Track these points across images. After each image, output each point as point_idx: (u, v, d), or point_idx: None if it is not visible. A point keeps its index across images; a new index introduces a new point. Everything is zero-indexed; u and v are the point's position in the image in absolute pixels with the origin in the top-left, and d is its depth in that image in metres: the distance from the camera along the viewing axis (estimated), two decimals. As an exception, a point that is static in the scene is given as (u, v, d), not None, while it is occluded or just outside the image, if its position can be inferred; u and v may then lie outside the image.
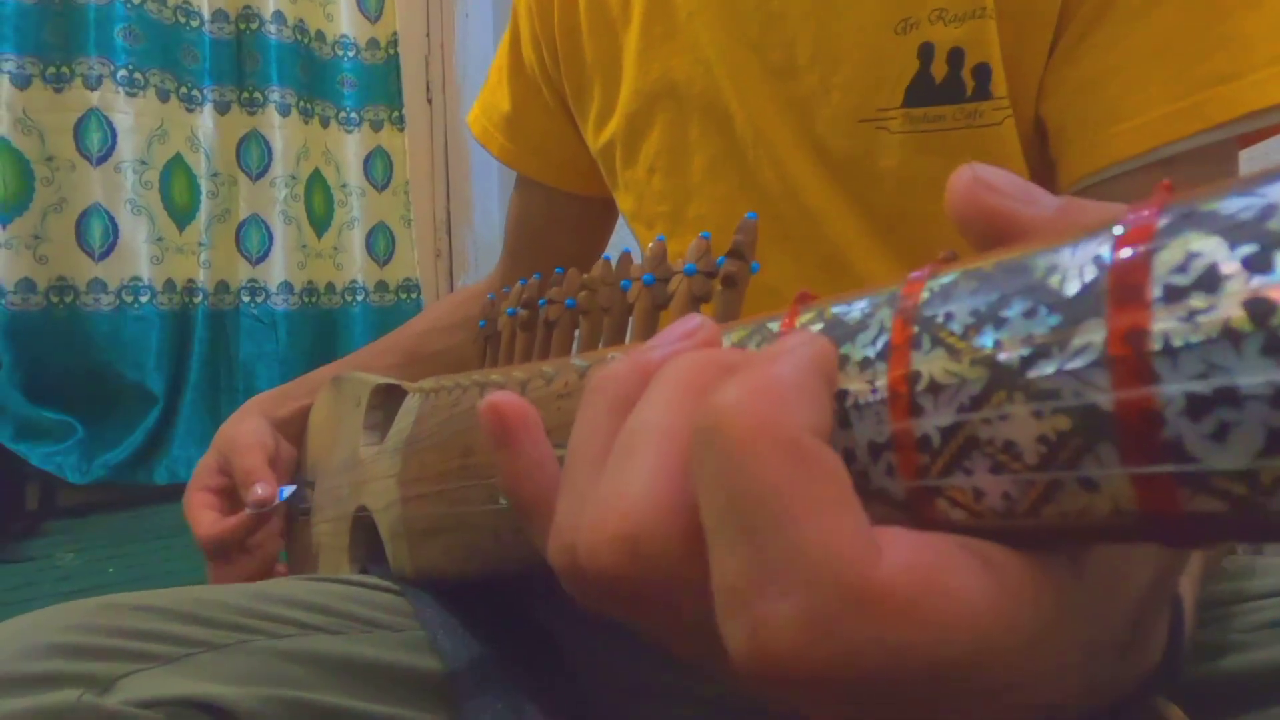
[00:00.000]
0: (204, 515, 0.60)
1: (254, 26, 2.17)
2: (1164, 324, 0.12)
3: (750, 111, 0.51)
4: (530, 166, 0.70)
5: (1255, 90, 0.40)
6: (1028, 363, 0.13)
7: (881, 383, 0.16)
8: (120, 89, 1.95)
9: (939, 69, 0.45)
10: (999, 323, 0.14)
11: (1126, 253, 0.13)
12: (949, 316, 0.15)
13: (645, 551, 0.16)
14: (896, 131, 0.47)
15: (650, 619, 0.18)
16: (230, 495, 0.61)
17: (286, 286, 2.22)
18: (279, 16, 2.21)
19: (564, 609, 0.20)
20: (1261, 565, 0.42)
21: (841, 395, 0.16)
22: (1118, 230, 0.13)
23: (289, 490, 0.59)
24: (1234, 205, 0.12)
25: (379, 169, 2.43)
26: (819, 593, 0.14)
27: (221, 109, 2.14)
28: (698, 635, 0.16)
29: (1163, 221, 0.13)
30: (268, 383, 2.01)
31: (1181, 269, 0.12)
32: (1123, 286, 0.13)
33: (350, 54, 2.37)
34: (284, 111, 2.21)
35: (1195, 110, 0.40)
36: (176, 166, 2.06)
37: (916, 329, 0.15)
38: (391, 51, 2.43)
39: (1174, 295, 0.12)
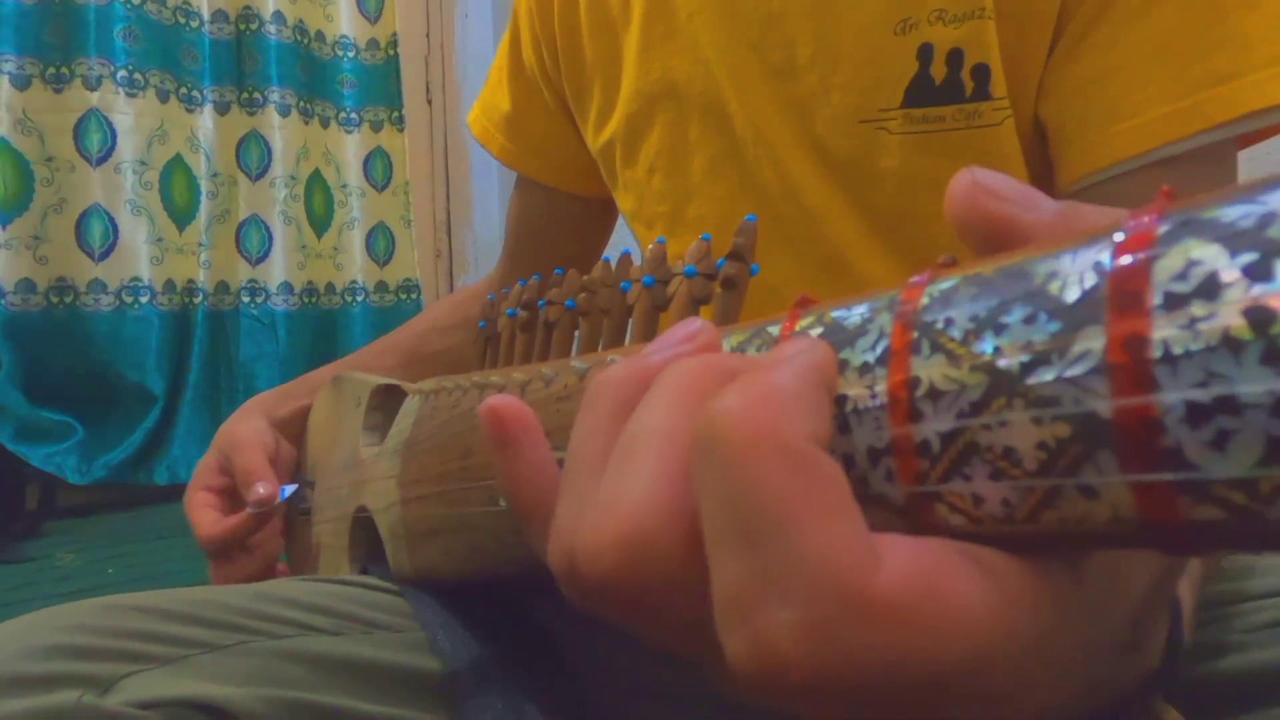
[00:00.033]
0: (205, 515, 0.60)
1: (254, 27, 2.17)
2: (1164, 331, 0.12)
3: (750, 112, 0.51)
4: (530, 167, 0.70)
5: (1255, 90, 0.40)
6: (1027, 369, 0.13)
7: (881, 388, 0.16)
8: (120, 89, 1.95)
9: (938, 70, 0.45)
10: (999, 329, 0.14)
11: (1126, 259, 0.13)
12: (949, 322, 0.15)
13: (645, 556, 0.16)
14: (896, 132, 0.47)
15: (649, 624, 0.18)
16: (231, 495, 0.61)
17: (286, 287, 2.22)
18: (279, 17, 2.21)
19: (564, 609, 0.20)
20: (1261, 565, 0.42)
21: (841, 400, 0.16)
22: (1118, 237, 0.13)
23: (290, 489, 0.59)
24: (1234, 213, 0.12)
25: (379, 169, 2.43)
26: (819, 601, 0.14)
27: (221, 109, 2.14)
28: (697, 640, 0.16)
29: (1163, 228, 0.13)
30: (267, 383, 2.01)
31: (1181, 276, 0.12)
32: (1123, 293, 0.13)
33: (350, 54, 2.37)
34: (284, 112, 2.21)
35: (1195, 110, 0.40)
36: (176, 167, 2.06)
37: (916, 334, 0.15)
38: (391, 52, 2.43)
39: (1174, 303, 0.12)
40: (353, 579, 0.46)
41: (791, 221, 0.51)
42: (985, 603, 0.14)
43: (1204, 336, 0.12)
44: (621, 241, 0.60)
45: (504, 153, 0.70)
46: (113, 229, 1.95)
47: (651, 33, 0.55)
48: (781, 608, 0.14)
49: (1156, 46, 0.41)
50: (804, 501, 0.14)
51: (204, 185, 2.08)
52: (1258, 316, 0.11)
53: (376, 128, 2.42)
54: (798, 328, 0.19)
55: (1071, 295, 0.13)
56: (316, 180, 2.31)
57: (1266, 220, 0.12)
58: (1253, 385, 0.11)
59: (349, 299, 2.35)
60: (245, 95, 2.18)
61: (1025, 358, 0.14)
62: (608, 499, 0.17)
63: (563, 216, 0.72)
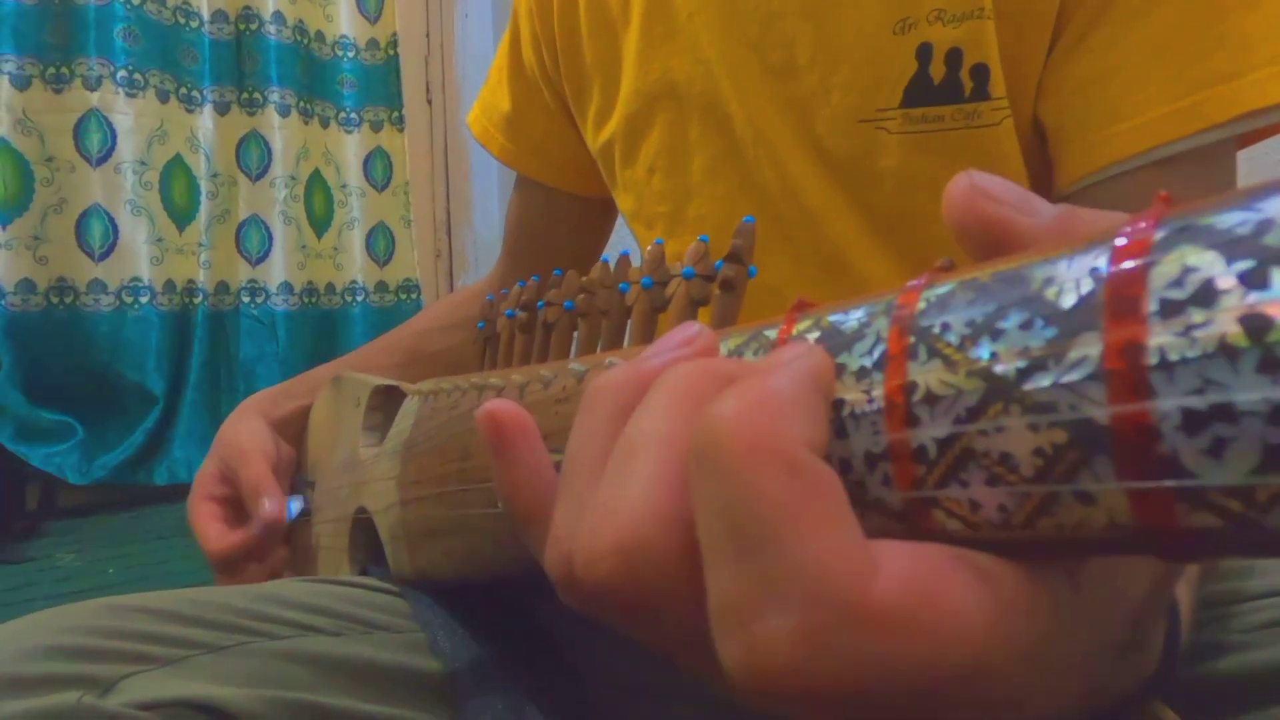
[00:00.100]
0: (211, 528, 0.59)
1: (253, 27, 2.17)
2: (1160, 338, 0.12)
3: (750, 111, 0.51)
4: (530, 167, 0.70)
5: (1254, 90, 0.40)
6: (1024, 375, 0.13)
7: (878, 393, 0.16)
8: (120, 90, 1.95)
9: (937, 69, 0.45)
10: (995, 334, 0.14)
11: (1123, 266, 0.13)
12: (945, 327, 0.15)
13: (642, 562, 0.16)
14: (895, 132, 0.47)
15: (647, 629, 0.18)
16: (235, 504, 0.61)
17: (286, 287, 2.22)
18: (278, 17, 2.21)
19: (564, 609, 0.20)
20: (1260, 565, 0.42)
21: (838, 405, 0.16)
22: (1114, 242, 0.13)
23: (297, 504, 0.59)
24: (1231, 219, 0.12)
25: (379, 169, 2.42)
26: (815, 609, 0.14)
27: (221, 110, 2.14)
28: (695, 646, 0.16)
29: (1159, 234, 0.13)
30: (267, 383, 2.01)
31: (1178, 283, 0.12)
32: (1119, 300, 0.13)
33: (350, 54, 2.37)
34: (284, 112, 2.21)
35: (1194, 110, 0.40)
36: (176, 167, 2.06)
37: (913, 339, 0.15)
38: (391, 52, 2.43)
39: (1170, 310, 0.12)
40: (352, 580, 0.46)
41: (791, 221, 0.51)
42: (982, 609, 0.14)
43: (1200, 343, 0.12)
44: (621, 242, 0.60)
45: (504, 152, 0.70)
46: (113, 229, 1.95)
47: (651, 33, 0.55)
48: (778, 615, 0.14)
49: (1156, 46, 0.41)
50: (800, 508, 0.14)
51: (204, 185, 2.08)
52: (1254, 324, 0.11)
53: (376, 128, 2.42)
54: (795, 331, 0.19)
55: (1068, 301, 0.13)
56: (316, 180, 2.31)
57: (1263, 227, 0.12)
58: (1249, 393, 0.11)
59: (349, 299, 2.35)
60: (245, 95, 2.18)
61: (1022, 363, 0.14)
62: (605, 504, 0.17)
63: (562, 216, 0.72)
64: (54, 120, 1.89)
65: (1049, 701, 0.17)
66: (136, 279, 1.98)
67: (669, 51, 0.54)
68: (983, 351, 0.14)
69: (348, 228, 2.36)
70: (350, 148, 2.37)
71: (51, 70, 1.88)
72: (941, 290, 0.15)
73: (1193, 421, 0.12)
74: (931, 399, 0.15)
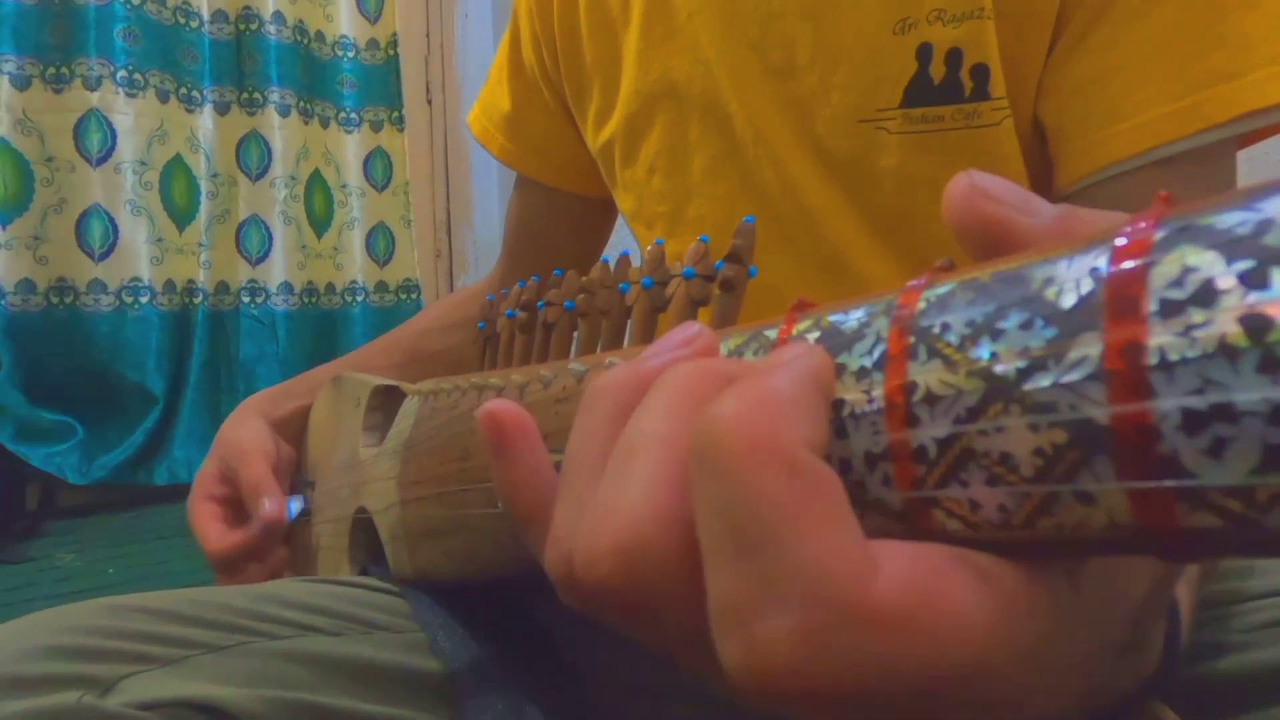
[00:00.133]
0: (211, 528, 0.60)
1: (253, 27, 2.17)
2: (1160, 338, 0.12)
3: (750, 111, 0.51)
4: (530, 167, 0.70)
5: (1254, 90, 0.40)
6: (1024, 375, 0.13)
7: (878, 393, 0.16)
8: (120, 90, 1.95)
9: (937, 69, 0.45)
10: (995, 334, 0.14)
11: (1123, 266, 0.13)
12: (945, 327, 0.15)
13: (642, 562, 0.16)
14: (895, 132, 0.47)
15: (647, 629, 0.18)
16: (235, 505, 0.61)
17: (286, 287, 2.22)
18: (278, 17, 2.21)
19: (564, 609, 0.20)
20: (1261, 565, 0.42)
21: (838, 405, 0.16)
22: (1114, 242, 0.13)
23: (297, 504, 0.59)
24: (1231, 219, 0.12)
25: (379, 169, 2.42)
26: (815, 609, 0.14)
27: (221, 110, 2.14)
28: (695, 646, 0.16)
29: (1159, 234, 0.13)
30: (268, 383, 2.01)
31: (1178, 283, 0.12)
32: (1119, 300, 0.13)
33: (350, 54, 2.37)
34: (284, 112, 2.21)
35: (1194, 110, 0.40)
36: (176, 167, 2.06)
37: (913, 339, 0.15)
38: (391, 52, 2.43)
39: (1170, 310, 0.12)
40: (352, 579, 0.46)
41: (791, 221, 0.51)
42: (982, 609, 0.14)
43: (1200, 343, 0.12)
44: (621, 242, 0.60)
45: (504, 152, 0.70)
46: (113, 229, 1.95)
47: (651, 33, 0.55)
48: (777, 615, 0.14)
49: (1156, 46, 0.41)
50: (800, 509, 0.14)
51: (204, 185, 2.08)
52: (1254, 324, 0.11)
53: (376, 128, 2.42)
54: (795, 331, 0.18)
55: (1068, 301, 0.13)
56: (316, 180, 2.31)
57: (1263, 227, 0.12)
58: (1249, 393, 0.11)
59: (349, 299, 2.35)
60: (245, 95, 2.18)
61: (1022, 363, 0.14)
62: (605, 504, 0.17)
63: (562, 216, 0.72)
64: (54, 120, 1.89)
65: (1049, 701, 0.17)
66: (136, 279, 1.98)
67: (669, 51, 0.54)
68: (983, 351, 0.14)
69: (348, 228, 2.36)
70: (350, 148, 2.37)
71: (51, 70, 1.88)
72: (941, 290, 0.15)
73: (1193, 421, 0.12)
74: (931, 399, 0.15)
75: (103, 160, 1.94)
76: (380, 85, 2.42)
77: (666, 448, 0.17)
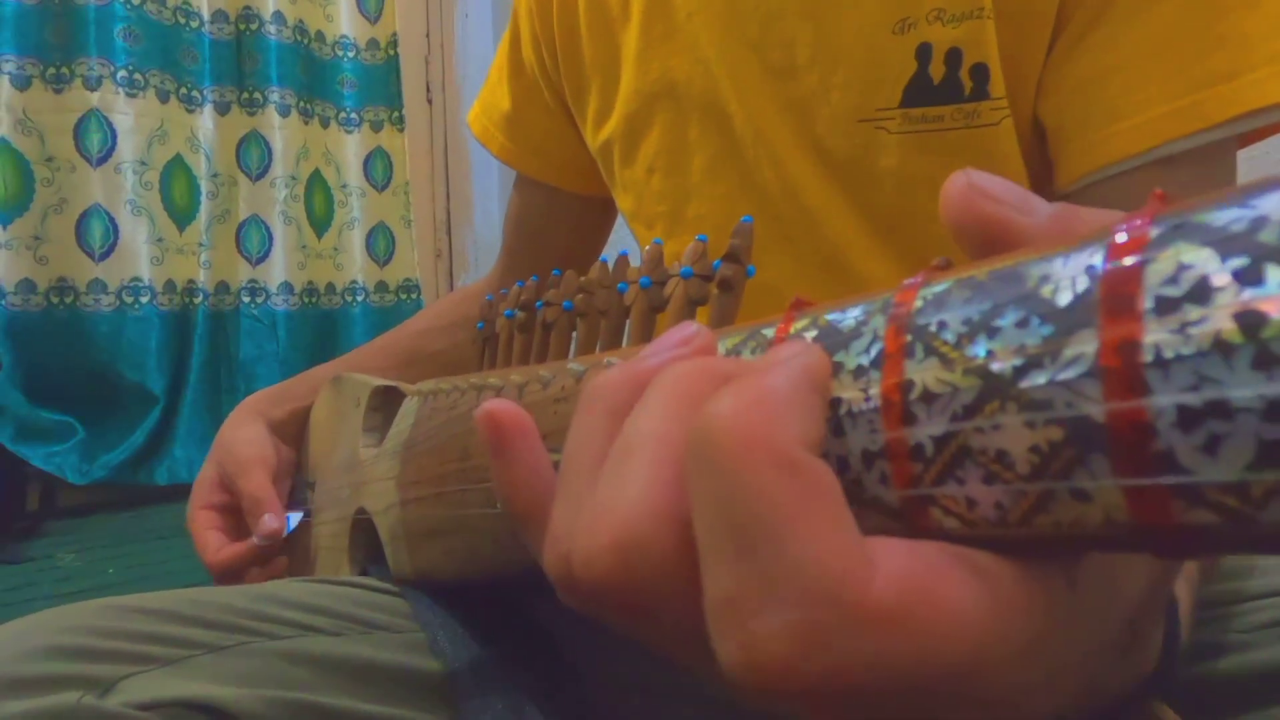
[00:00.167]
0: (210, 538, 0.60)
1: (254, 27, 2.17)
2: (1155, 335, 0.12)
3: (750, 111, 0.51)
4: (530, 166, 0.70)
5: (1254, 89, 0.40)
6: (1020, 373, 0.13)
7: (875, 391, 0.16)
8: (120, 90, 1.95)
9: (937, 69, 0.45)
10: (992, 332, 0.14)
11: (1118, 263, 0.13)
12: (942, 325, 0.15)
13: (639, 561, 0.16)
14: (895, 132, 0.47)
15: (645, 627, 0.18)
16: (234, 513, 0.61)
17: (287, 287, 2.22)
18: (279, 17, 2.21)
19: (564, 609, 0.20)
20: (1261, 565, 0.42)
21: (835, 403, 0.16)
22: (1110, 240, 0.13)
23: (297, 518, 0.59)
24: (1225, 217, 0.12)
25: (379, 169, 2.42)
26: (812, 606, 0.14)
27: (221, 109, 2.14)
28: (693, 644, 0.16)
29: (1154, 232, 0.13)
30: (268, 383, 1.99)
31: (1173, 280, 0.12)
32: (1115, 297, 0.13)
33: (350, 54, 2.37)
34: (284, 112, 2.21)
35: (1194, 109, 0.40)
36: (176, 167, 2.06)
37: (910, 337, 0.15)
38: (391, 52, 2.43)
39: (1165, 307, 0.12)
40: (352, 580, 0.46)
41: (791, 221, 0.51)
42: (979, 606, 0.14)
43: (1195, 340, 0.12)
44: (621, 241, 0.60)
45: (504, 151, 0.70)
46: (113, 229, 1.95)
47: (651, 32, 0.55)
48: (774, 613, 0.14)
49: (1156, 46, 0.41)
50: (796, 506, 0.14)
51: (204, 185, 2.08)
52: (1248, 320, 0.11)
53: (376, 128, 2.42)
54: (792, 330, 0.19)
55: (1064, 299, 0.13)
56: (317, 180, 2.31)
57: (1257, 224, 0.12)
58: (1244, 389, 0.11)
59: (349, 299, 2.35)
60: (245, 95, 2.18)
61: (1018, 361, 0.14)
62: (602, 503, 0.17)
63: (562, 216, 0.72)
64: (54, 120, 1.88)
65: (1047, 700, 0.17)
66: (137, 279, 1.98)
67: (668, 51, 0.54)
68: (979, 349, 0.14)
69: (348, 228, 2.36)
70: (350, 148, 2.37)
71: (52, 70, 1.88)
72: (938, 288, 0.15)
73: (1188, 418, 0.12)
74: (928, 397, 0.15)
75: (103, 160, 1.94)
76: (380, 85, 2.42)
77: (663, 447, 0.17)
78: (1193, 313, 0.12)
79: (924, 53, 0.45)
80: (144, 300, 1.99)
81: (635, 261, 0.32)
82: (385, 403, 0.52)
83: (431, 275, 2.55)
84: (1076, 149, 0.44)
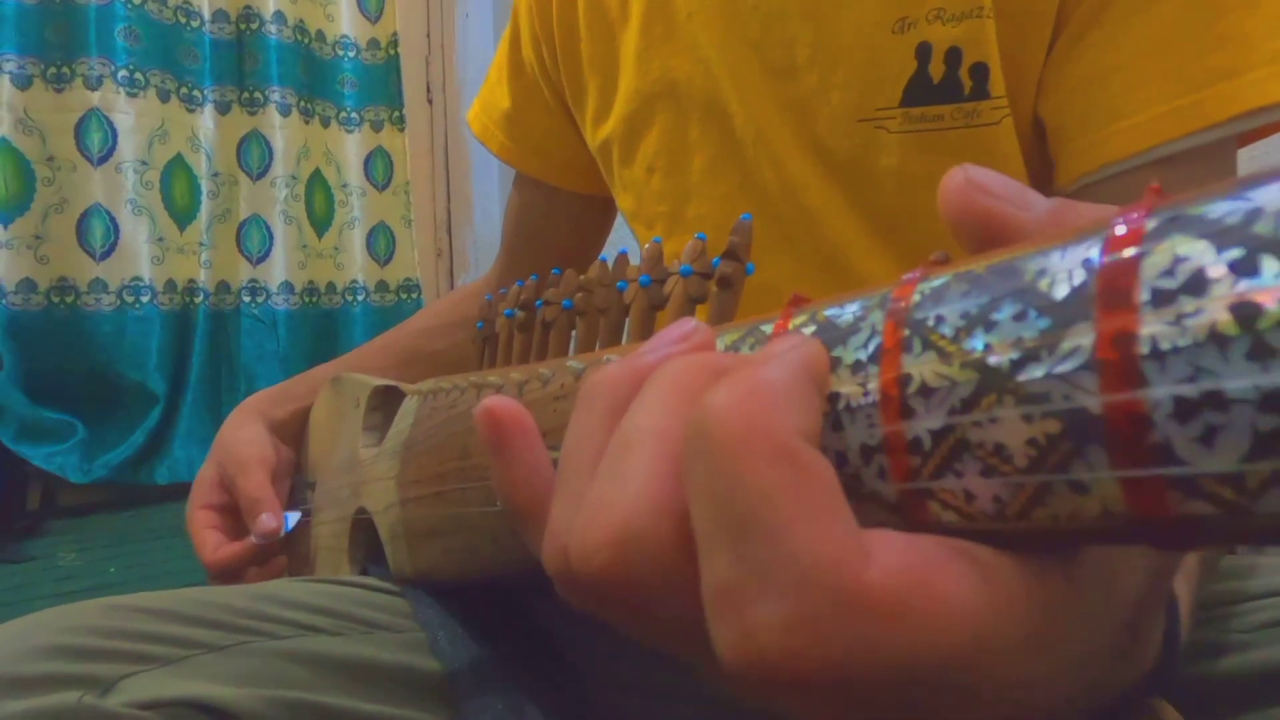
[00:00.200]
0: (208, 537, 0.60)
1: (254, 27, 2.17)
2: (1152, 328, 0.12)
3: (750, 111, 0.51)
4: (530, 165, 0.70)
5: (1254, 88, 0.40)
6: (1017, 366, 0.14)
7: (873, 385, 0.16)
8: (121, 89, 1.95)
9: (936, 69, 0.45)
10: (989, 326, 0.14)
11: (1115, 256, 0.13)
12: (940, 319, 0.15)
13: (637, 555, 0.16)
14: (895, 131, 0.47)
15: (644, 623, 0.18)
16: (233, 512, 0.61)
17: (287, 286, 2.22)
18: (279, 17, 2.21)
19: (564, 609, 0.20)
20: (1261, 565, 0.42)
21: (834, 398, 0.16)
22: (1107, 234, 0.13)
23: (295, 518, 0.59)
24: (1221, 209, 0.12)
25: (379, 169, 2.43)
26: (808, 596, 0.14)
27: (222, 109, 2.14)
28: (691, 637, 0.16)
29: (1151, 225, 0.13)
30: (268, 382, 2.00)
31: (1169, 273, 0.12)
32: (1111, 290, 0.13)
33: (351, 54, 2.37)
34: (284, 111, 2.21)
35: (1194, 108, 0.40)
36: (177, 166, 2.06)
37: (908, 332, 0.15)
38: (392, 52, 2.43)
39: (1161, 299, 0.12)
40: (353, 579, 0.46)
41: (791, 221, 0.51)
42: (976, 599, 0.14)
43: (1191, 332, 0.12)
44: (620, 241, 0.60)
45: (504, 150, 0.70)
46: (114, 229, 1.95)
47: (651, 32, 0.55)
48: (771, 603, 0.14)
49: (1156, 45, 0.41)
50: (792, 496, 0.14)
51: (205, 185, 2.08)
52: (1244, 312, 0.11)
53: (377, 127, 2.42)
54: (791, 326, 0.19)
55: (1061, 292, 0.13)
56: (317, 180, 2.31)
57: (1252, 216, 0.12)
58: (1239, 380, 0.11)
59: (350, 298, 2.35)
60: (246, 95, 2.18)
61: (1015, 354, 0.14)
62: (601, 498, 0.17)
63: (562, 215, 0.72)
64: (55, 120, 1.89)
65: (1044, 695, 0.17)
66: (137, 278, 1.98)
67: (668, 51, 0.54)
68: (977, 343, 0.14)
69: (348, 227, 2.37)
70: (351, 147, 2.38)
71: (52, 70, 1.89)
72: (936, 283, 0.15)
73: (1184, 409, 0.12)
74: (926, 391, 0.15)
75: (104, 160, 1.94)
76: (381, 85, 2.42)
77: (661, 441, 0.17)
78: (1188, 305, 0.12)
79: (924, 52, 0.45)
80: (145, 300, 1.99)
81: (635, 260, 0.33)
82: (385, 402, 0.52)
83: (432, 275, 2.55)
84: (1077, 148, 0.44)
